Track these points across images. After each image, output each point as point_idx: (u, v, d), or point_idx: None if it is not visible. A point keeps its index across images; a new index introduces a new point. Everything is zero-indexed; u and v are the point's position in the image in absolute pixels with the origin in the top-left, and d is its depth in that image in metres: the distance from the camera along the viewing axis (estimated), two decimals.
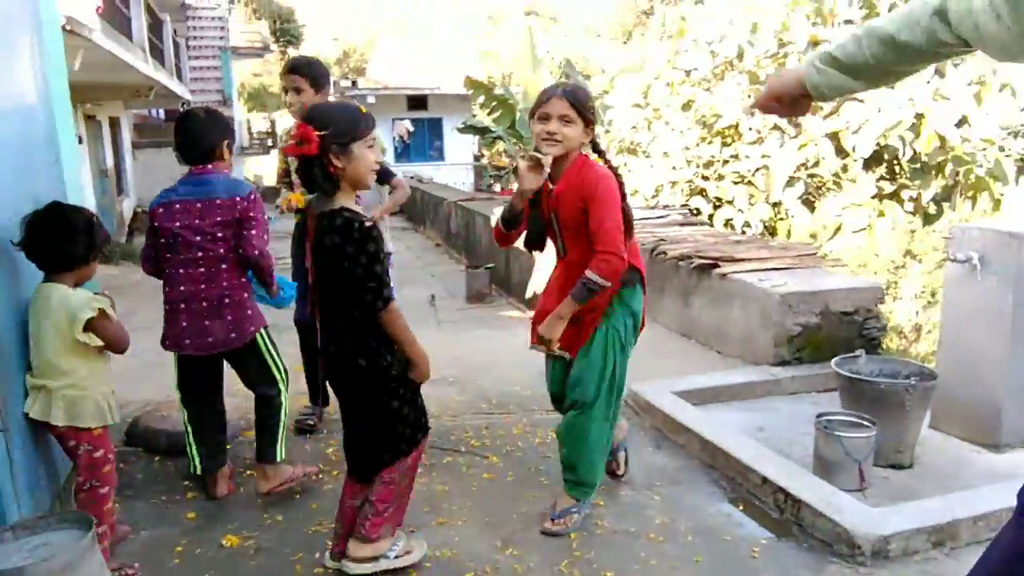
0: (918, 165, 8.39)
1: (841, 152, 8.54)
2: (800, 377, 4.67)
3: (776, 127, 8.65)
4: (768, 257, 5.52)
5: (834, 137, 8.37)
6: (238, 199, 3.07)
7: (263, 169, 29.36)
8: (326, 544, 2.85)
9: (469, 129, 14.14)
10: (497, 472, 3.60)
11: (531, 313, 8.50)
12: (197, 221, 3.06)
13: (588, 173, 2.81)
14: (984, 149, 8.34)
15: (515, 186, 2.92)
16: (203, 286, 3.09)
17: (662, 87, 10.06)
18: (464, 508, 3.24)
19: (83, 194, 5.04)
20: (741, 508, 3.27)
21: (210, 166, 3.12)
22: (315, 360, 3.96)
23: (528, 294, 7.39)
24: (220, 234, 3.07)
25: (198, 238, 3.06)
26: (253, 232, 3.08)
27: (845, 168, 8.76)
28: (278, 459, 3.26)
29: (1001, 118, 8.23)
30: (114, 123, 14.29)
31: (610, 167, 2.90)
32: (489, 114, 12.63)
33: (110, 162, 13.34)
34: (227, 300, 3.11)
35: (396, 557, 2.68)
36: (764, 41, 8.85)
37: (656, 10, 38.95)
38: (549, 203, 2.90)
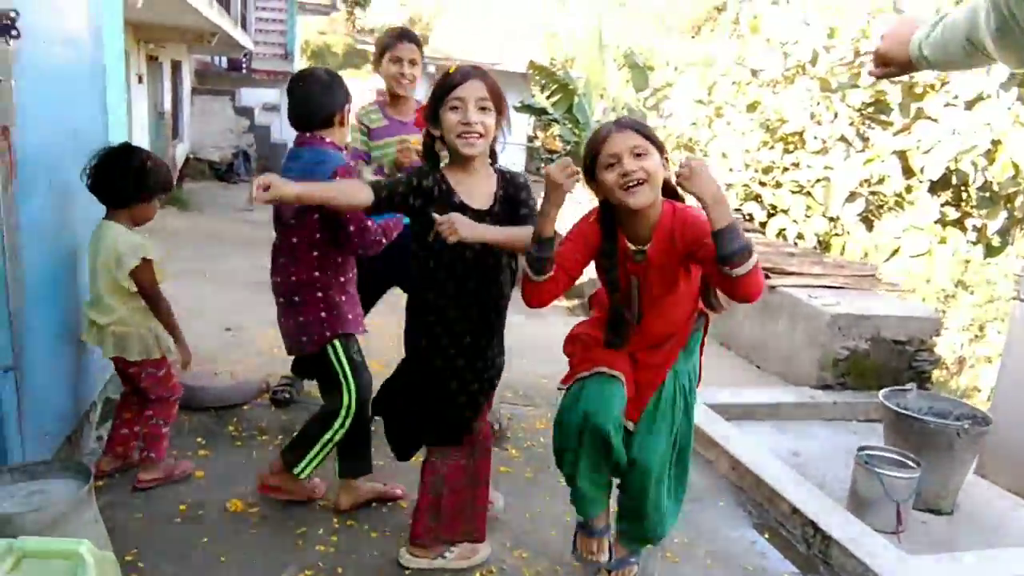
0: (987, 194, 8.01)
1: (908, 172, 8.18)
2: (842, 403, 4.47)
3: (843, 138, 8.32)
4: (821, 273, 5.29)
5: (902, 156, 8.02)
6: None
7: None
8: (332, 521, 2.76)
9: (526, 109, 13.92)
10: (515, 466, 3.47)
11: (569, 302, 8.26)
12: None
13: (689, 216, 2.24)
14: None
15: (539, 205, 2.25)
16: (278, 279, 2.79)
17: (728, 85, 9.75)
18: None
19: (130, 132, 4.97)
20: (766, 536, 3.11)
21: (318, 135, 2.74)
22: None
23: None
24: (292, 220, 2.71)
25: (277, 222, 2.80)
26: (348, 224, 2.62)
27: (909, 189, 8.41)
28: (294, 471, 2.84)
29: None
30: (176, 67, 14.32)
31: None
32: (548, 97, 12.42)
33: (168, 105, 13.38)
34: (297, 298, 2.73)
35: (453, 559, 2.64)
36: (840, 47, 8.50)
37: (729, 6, 38.17)
38: (632, 267, 2.30)
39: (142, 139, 10.37)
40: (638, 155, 2.14)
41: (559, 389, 2.42)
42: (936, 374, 8.16)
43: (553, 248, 2.18)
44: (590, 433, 2.25)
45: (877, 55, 1.77)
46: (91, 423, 3.28)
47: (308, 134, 2.76)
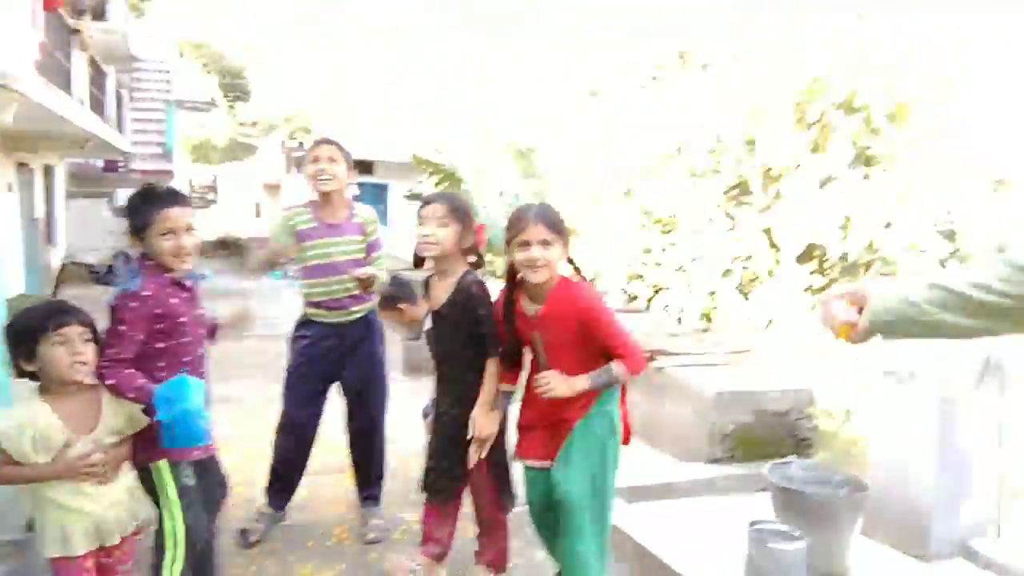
0: (847, 263, 8.68)
1: (774, 247, 8.79)
2: (734, 476, 4.68)
3: (712, 220, 8.89)
4: (702, 352, 5.58)
5: (768, 233, 8.63)
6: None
7: (203, 223, 28.88)
8: None
9: (415, 197, 14.17)
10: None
11: None
12: None
13: (578, 295, 2.89)
14: (910, 250, 8.69)
15: None
16: None
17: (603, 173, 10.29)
18: None
19: (8, 244, 4.81)
20: None
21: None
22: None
23: None
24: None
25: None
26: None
27: (778, 261, 9.02)
28: None
29: (930, 219, 8.62)
30: (48, 171, 13.88)
31: (583, 278, 3.04)
32: (436, 185, 12.71)
33: (41, 211, 12.90)
34: None
35: None
36: (703, 137, 9.16)
37: (603, 91, 40.23)
38: (530, 325, 2.92)
39: (15, 248, 9.93)
40: (547, 245, 2.79)
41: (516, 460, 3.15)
42: (823, 424, 8.62)
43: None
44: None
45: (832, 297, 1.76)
46: None
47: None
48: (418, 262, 3.28)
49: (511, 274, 2.94)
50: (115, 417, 2.52)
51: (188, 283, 2.70)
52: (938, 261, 8.85)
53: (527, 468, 3.07)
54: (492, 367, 3.04)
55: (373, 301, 3.76)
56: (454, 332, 3.10)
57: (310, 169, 3.61)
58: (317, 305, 3.66)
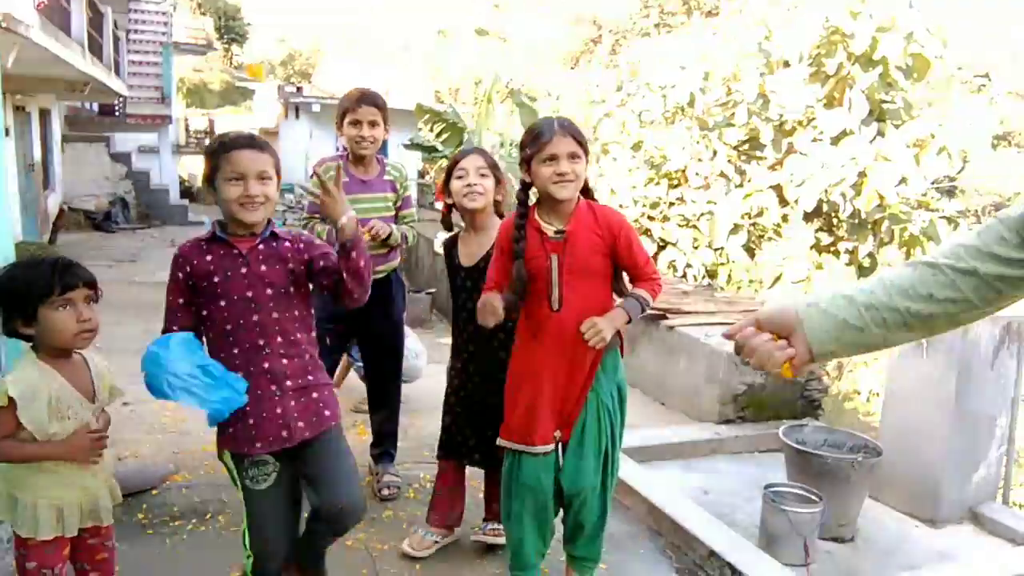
0: (856, 221, 8.62)
1: (783, 203, 8.72)
2: (744, 437, 4.68)
3: (723, 174, 8.79)
4: (714, 311, 5.56)
5: (778, 189, 8.55)
6: None
7: (199, 168, 28.57)
8: None
9: (415, 147, 14.01)
10: None
11: None
12: None
13: (609, 212, 2.68)
14: (919, 208, 8.63)
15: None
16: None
17: (613, 124, 10.14)
18: (403, 573, 3.11)
19: (3, 184, 4.72)
20: None
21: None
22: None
23: None
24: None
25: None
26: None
27: (786, 218, 8.95)
28: None
29: (937, 177, 8.55)
30: (44, 115, 13.64)
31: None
32: (438, 135, 12.53)
33: (38, 155, 12.73)
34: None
35: None
36: (715, 89, 9.01)
37: (604, 39, 39.59)
38: (548, 247, 2.59)
39: (12, 193, 9.81)
40: (573, 157, 2.53)
41: (498, 444, 2.74)
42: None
43: (510, 311, 2.61)
44: (532, 500, 2.67)
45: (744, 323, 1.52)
46: None
47: None
48: (446, 221, 3.13)
49: (524, 195, 2.67)
50: (104, 388, 2.28)
51: (241, 238, 2.31)
52: (945, 220, 8.81)
53: (524, 455, 2.65)
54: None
55: (397, 260, 3.68)
56: None
57: (350, 132, 3.46)
58: None
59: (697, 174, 8.98)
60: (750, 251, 9.09)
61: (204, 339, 2.32)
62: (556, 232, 2.59)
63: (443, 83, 36.90)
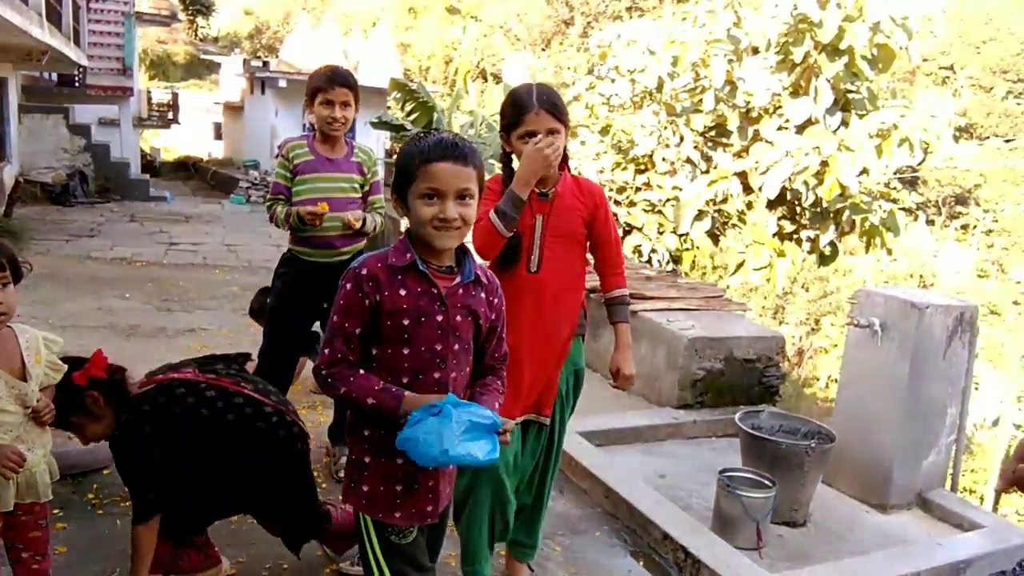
0: (818, 210, 8.72)
1: (748, 190, 8.79)
2: (701, 422, 4.73)
3: (689, 160, 8.83)
4: (676, 296, 5.59)
5: (742, 176, 8.61)
6: None
7: (161, 142, 28.03)
8: None
9: (383, 125, 13.84)
10: None
11: None
12: None
13: (589, 183, 2.69)
14: (879, 198, 8.75)
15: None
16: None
17: (581, 108, 10.13)
18: None
19: None
20: (642, 564, 3.26)
21: None
22: None
23: None
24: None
25: None
26: None
27: (750, 205, 9.03)
28: None
29: (899, 167, 8.67)
30: (1, 84, 13.26)
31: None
32: (407, 115, 12.39)
33: None
34: None
35: None
36: (683, 75, 9.03)
37: (576, 21, 39.53)
38: (535, 207, 2.54)
39: None
40: (552, 133, 2.45)
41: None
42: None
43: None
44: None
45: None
46: None
47: None
48: None
49: (507, 159, 2.60)
50: (36, 365, 2.17)
51: (440, 273, 1.91)
52: (904, 212, 8.93)
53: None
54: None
55: (363, 242, 3.63)
56: None
57: (321, 112, 3.38)
58: (304, 242, 3.52)
59: (664, 159, 9.01)
60: (714, 237, 9.16)
61: None
62: (542, 193, 2.55)
63: (412, 61, 36.57)
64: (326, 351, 1.89)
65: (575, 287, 2.65)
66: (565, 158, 2.62)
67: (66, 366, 2.30)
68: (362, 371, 1.87)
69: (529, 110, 2.45)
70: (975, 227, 27.68)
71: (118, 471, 2.40)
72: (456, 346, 1.92)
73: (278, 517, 2.69)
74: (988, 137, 31.57)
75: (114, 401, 2.42)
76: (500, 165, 2.64)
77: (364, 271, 1.87)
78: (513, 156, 2.57)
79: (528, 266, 2.56)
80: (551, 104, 2.47)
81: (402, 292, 1.86)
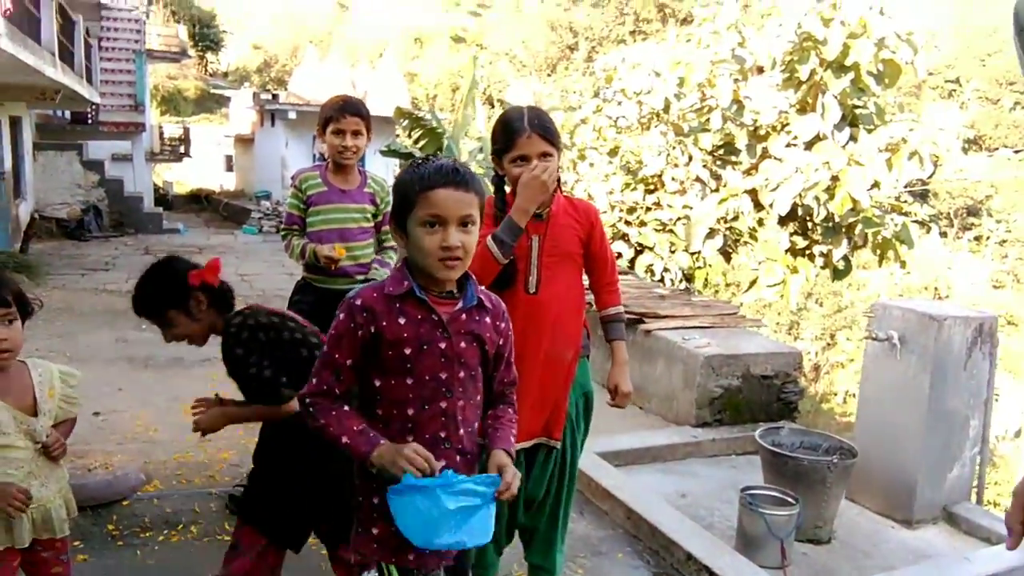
0: (830, 224, 8.70)
1: (758, 207, 8.78)
2: (721, 440, 4.69)
3: (698, 179, 8.84)
4: (691, 315, 5.57)
5: (752, 193, 8.61)
6: None
7: (173, 176, 28.32)
8: None
9: (391, 153, 13.93)
10: None
11: None
12: None
13: (583, 203, 2.71)
14: (891, 212, 8.72)
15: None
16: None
17: (589, 130, 10.18)
18: None
19: None
20: None
21: None
22: None
23: None
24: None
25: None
26: None
27: (761, 222, 9.02)
28: None
29: (909, 181, 8.65)
30: (15, 123, 13.45)
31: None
32: (415, 142, 12.48)
33: (8, 164, 12.55)
34: None
35: None
36: (690, 95, 9.07)
37: (580, 46, 39.82)
38: (531, 227, 2.49)
39: None
40: (545, 157, 2.43)
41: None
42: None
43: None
44: None
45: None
46: None
47: None
48: None
49: (500, 182, 2.56)
50: (49, 400, 2.14)
51: (440, 298, 1.84)
52: (917, 224, 8.90)
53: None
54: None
55: (377, 269, 3.63)
56: None
57: (333, 141, 3.40)
58: (319, 270, 3.54)
59: (673, 179, 9.04)
60: (726, 255, 9.14)
61: (363, 413, 1.85)
62: (537, 213, 2.50)
63: (420, 89, 36.88)
64: (313, 380, 1.84)
65: (576, 306, 2.62)
66: (557, 179, 2.58)
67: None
68: (346, 408, 1.82)
69: (521, 134, 2.42)
70: (988, 238, 27.51)
71: (234, 376, 2.29)
72: (462, 374, 1.84)
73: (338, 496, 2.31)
74: (997, 148, 31.45)
75: (214, 307, 2.38)
76: (492, 188, 2.61)
77: (359, 301, 1.82)
78: (505, 179, 2.53)
79: (526, 287, 2.53)
80: (543, 128, 2.44)
81: (401, 320, 1.80)
